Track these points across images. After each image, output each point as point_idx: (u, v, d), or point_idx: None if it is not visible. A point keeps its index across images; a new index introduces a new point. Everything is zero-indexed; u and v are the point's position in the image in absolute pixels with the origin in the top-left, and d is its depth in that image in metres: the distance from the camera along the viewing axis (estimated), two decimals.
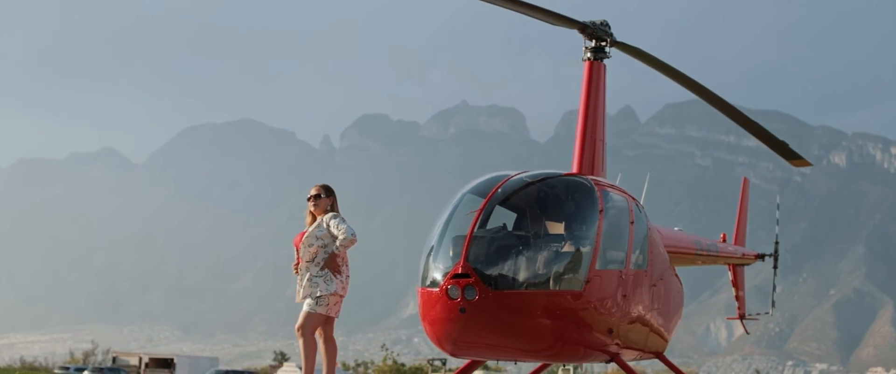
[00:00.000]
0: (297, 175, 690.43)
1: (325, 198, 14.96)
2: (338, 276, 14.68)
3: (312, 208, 14.93)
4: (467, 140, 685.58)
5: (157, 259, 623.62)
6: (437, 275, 15.89)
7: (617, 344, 17.00)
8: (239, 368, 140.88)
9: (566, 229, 16.54)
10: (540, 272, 15.83)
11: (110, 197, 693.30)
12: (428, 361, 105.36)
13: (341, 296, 14.67)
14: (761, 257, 25.68)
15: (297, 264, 14.89)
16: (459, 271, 15.47)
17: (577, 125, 18.60)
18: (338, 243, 14.65)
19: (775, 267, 25.75)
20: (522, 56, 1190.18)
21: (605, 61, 19.07)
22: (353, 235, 14.61)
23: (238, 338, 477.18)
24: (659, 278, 18.41)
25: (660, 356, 18.04)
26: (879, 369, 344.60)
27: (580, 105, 18.64)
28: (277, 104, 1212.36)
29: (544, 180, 17.02)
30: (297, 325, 14.70)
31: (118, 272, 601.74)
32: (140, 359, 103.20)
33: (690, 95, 19.53)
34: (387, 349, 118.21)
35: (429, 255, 16.30)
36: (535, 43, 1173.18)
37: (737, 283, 26.09)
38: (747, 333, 25.56)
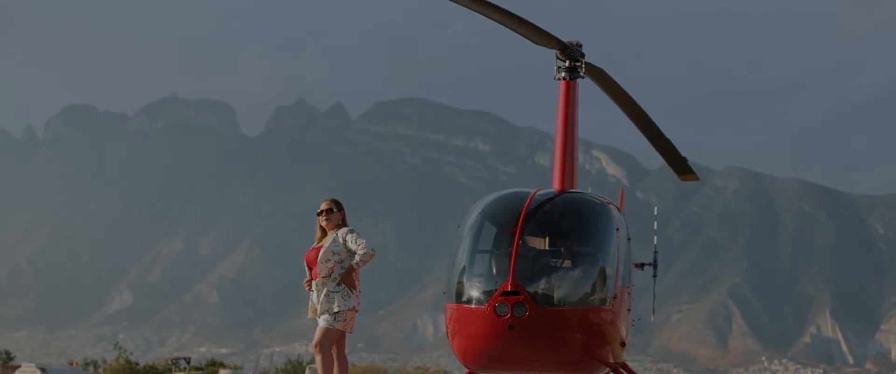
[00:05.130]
0: None
1: (338, 212, 14.88)
2: (353, 291, 14.68)
3: (324, 223, 14.85)
4: (177, 134, 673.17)
5: None
6: (477, 292, 16.06)
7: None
8: None
9: (591, 246, 17.04)
10: (578, 290, 16.37)
11: None
12: (171, 360, 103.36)
13: (356, 311, 14.70)
14: (641, 266, 26.62)
15: (310, 280, 14.77)
16: (509, 289, 15.67)
17: (556, 143, 19.07)
18: (357, 258, 14.61)
19: (654, 276, 26.72)
20: (234, 49, 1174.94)
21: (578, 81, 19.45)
22: (373, 250, 14.61)
23: None
24: (632, 290, 19.28)
25: (625, 366, 18.60)
26: None
27: (558, 123, 19.16)
28: None
29: (563, 198, 17.61)
30: (314, 341, 14.63)
31: None
32: None
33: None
34: (120, 348, 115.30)
35: (462, 272, 16.41)
36: (247, 36, 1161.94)
37: None
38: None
